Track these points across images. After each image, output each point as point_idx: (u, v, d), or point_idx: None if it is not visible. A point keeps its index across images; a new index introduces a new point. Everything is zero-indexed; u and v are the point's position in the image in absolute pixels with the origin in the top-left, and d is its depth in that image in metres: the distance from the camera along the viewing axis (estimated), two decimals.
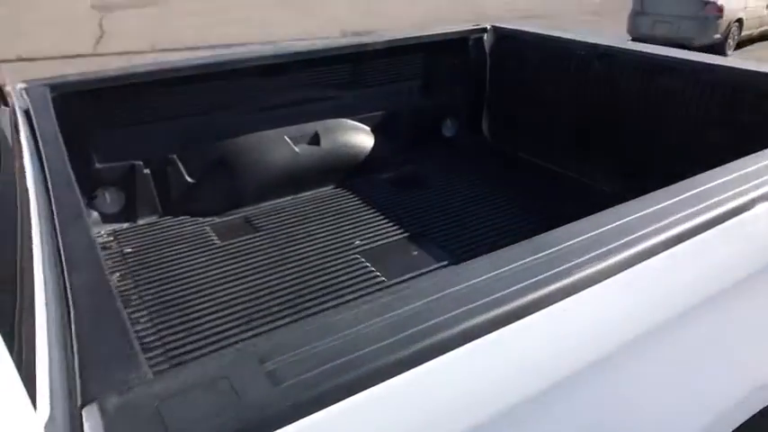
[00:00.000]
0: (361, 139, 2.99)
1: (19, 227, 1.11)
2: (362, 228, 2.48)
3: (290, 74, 2.78)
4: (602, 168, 2.80)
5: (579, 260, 1.00)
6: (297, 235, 2.42)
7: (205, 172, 2.65)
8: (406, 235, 2.44)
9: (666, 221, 1.13)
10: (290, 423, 0.71)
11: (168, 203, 2.60)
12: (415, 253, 2.31)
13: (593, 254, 1.02)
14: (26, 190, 1.37)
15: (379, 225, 2.51)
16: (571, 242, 1.07)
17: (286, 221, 2.54)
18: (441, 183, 2.90)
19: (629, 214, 1.16)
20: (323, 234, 2.42)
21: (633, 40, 9.33)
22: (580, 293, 0.97)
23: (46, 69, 7.76)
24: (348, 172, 2.90)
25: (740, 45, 10.64)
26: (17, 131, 1.70)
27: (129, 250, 2.32)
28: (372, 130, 3.04)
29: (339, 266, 2.20)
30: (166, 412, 0.70)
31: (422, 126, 3.22)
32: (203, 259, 2.26)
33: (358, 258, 2.26)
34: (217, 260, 2.25)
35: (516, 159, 3.16)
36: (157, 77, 2.46)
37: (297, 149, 2.79)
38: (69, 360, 0.82)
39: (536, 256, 1.03)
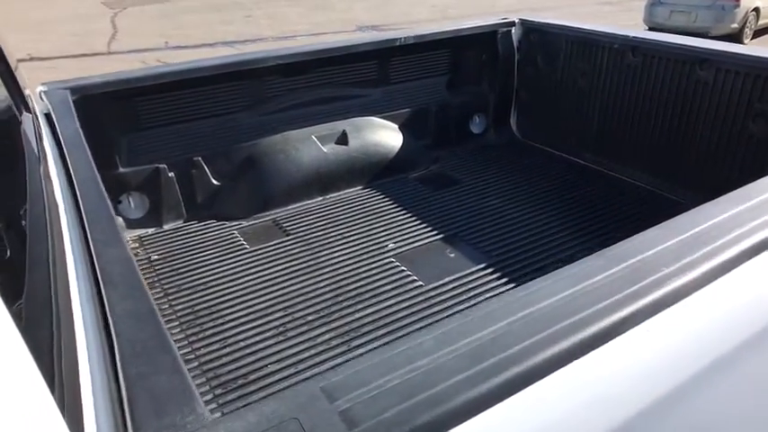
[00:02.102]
0: (390, 137, 2.91)
1: (50, 243, 1.03)
2: (395, 230, 2.40)
3: (316, 71, 2.71)
4: (635, 163, 2.71)
5: (669, 270, 0.92)
6: (328, 238, 2.35)
7: (231, 174, 2.58)
8: (440, 237, 2.35)
9: (749, 226, 1.04)
10: None
11: (194, 207, 2.53)
12: (452, 255, 2.23)
13: (681, 263, 0.94)
14: (54, 199, 1.30)
15: (411, 227, 2.43)
16: (651, 252, 0.98)
17: (316, 224, 2.46)
18: (471, 181, 2.82)
19: (705, 220, 1.07)
20: (355, 237, 2.35)
21: (650, 29, 9.17)
22: (673, 307, 0.88)
23: (59, 68, 7.73)
24: (377, 171, 2.82)
25: (757, 34, 10.44)
26: (40, 137, 1.63)
27: (156, 257, 2.26)
28: (400, 128, 2.96)
29: (374, 271, 2.13)
30: None
31: (450, 123, 3.13)
32: (233, 265, 2.19)
33: (393, 262, 2.18)
34: (247, 266, 2.18)
35: (546, 155, 3.07)
36: (180, 78, 2.39)
37: (325, 149, 2.71)
38: (115, 399, 0.75)
39: (617, 269, 0.94)
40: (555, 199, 2.61)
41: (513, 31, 3.11)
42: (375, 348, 1.76)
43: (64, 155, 1.52)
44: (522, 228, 2.39)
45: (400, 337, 1.81)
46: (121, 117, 2.33)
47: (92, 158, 1.44)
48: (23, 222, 0.92)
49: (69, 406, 0.66)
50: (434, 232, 2.38)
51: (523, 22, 3.11)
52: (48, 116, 1.88)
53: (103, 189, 1.29)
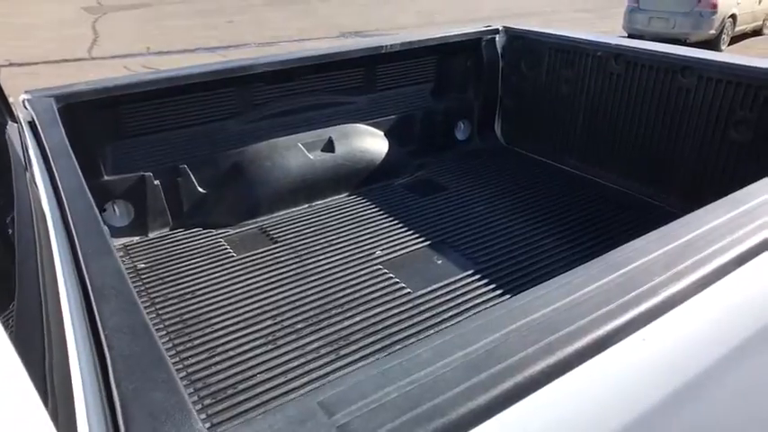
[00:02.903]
0: (376, 143, 2.92)
1: (38, 252, 1.02)
2: (382, 237, 2.41)
3: (301, 79, 2.71)
4: (619, 170, 2.75)
5: (661, 278, 0.94)
6: (315, 246, 2.35)
7: (217, 182, 2.57)
8: (427, 243, 2.36)
9: (740, 233, 1.07)
10: None
11: (180, 215, 2.52)
12: (439, 262, 2.24)
13: (673, 271, 0.95)
14: (41, 207, 1.29)
15: (398, 233, 2.44)
16: (645, 259, 1.00)
17: (303, 232, 2.46)
18: (456, 187, 2.84)
19: (696, 227, 1.09)
20: (342, 244, 2.35)
21: (629, 36, 9.31)
22: (669, 313, 0.90)
23: (39, 74, 7.62)
24: (363, 178, 2.83)
25: (734, 40, 10.65)
26: (25, 145, 1.61)
27: (143, 265, 2.24)
28: (386, 135, 2.97)
29: (362, 278, 2.13)
30: None
31: (435, 129, 3.15)
32: (220, 273, 2.18)
33: (381, 269, 2.18)
34: (235, 274, 2.17)
35: (531, 161, 3.10)
36: (166, 85, 2.38)
37: (311, 156, 2.71)
38: (109, 417, 0.73)
39: (611, 277, 0.96)
40: (540, 205, 2.63)
41: (497, 38, 3.14)
42: (365, 356, 1.76)
43: (49, 163, 1.50)
44: (509, 234, 2.41)
45: (389, 344, 1.81)
46: (106, 125, 2.31)
47: (78, 167, 1.43)
48: (10, 231, 0.91)
49: (63, 422, 0.65)
50: (421, 239, 2.39)
51: (507, 30, 3.14)
52: (31, 124, 1.86)
53: (91, 198, 1.28)
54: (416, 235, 2.42)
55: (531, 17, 12.31)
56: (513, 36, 3.13)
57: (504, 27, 3.15)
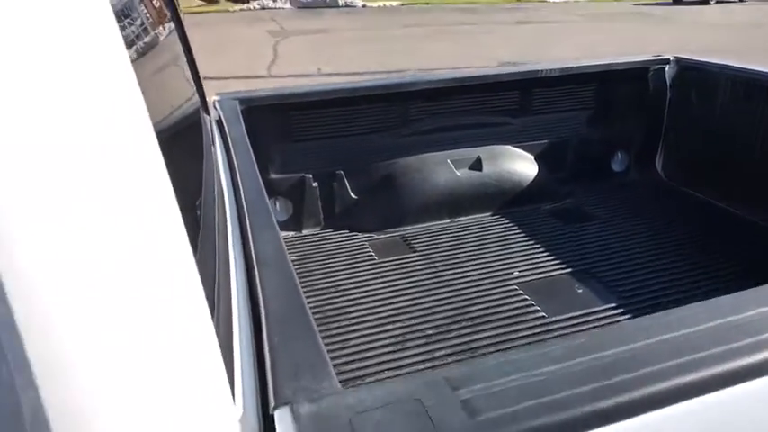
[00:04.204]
0: (525, 166, 2.91)
1: (217, 228, 1.18)
2: (522, 258, 2.38)
3: (457, 98, 2.79)
4: None
5: None
6: (454, 259, 2.39)
7: (368, 189, 2.73)
8: (568, 270, 2.30)
9: None
10: None
11: (331, 217, 2.71)
12: (580, 291, 2.17)
13: None
14: (221, 191, 1.48)
15: (540, 257, 2.40)
16: None
17: (443, 244, 2.52)
18: (606, 218, 2.72)
19: None
20: (480, 260, 2.37)
21: None
22: None
23: (228, 87, 8.61)
24: (508, 199, 2.83)
25: None
26: (213, 137, 1.87)
27: (294, 258, 2.44)
28: (536, 159, 2.95)
29: (496, 296, 2.13)
30: (359, 425, 0.68)
31: (590, 158, 3.05)
32: (361, 274, 2.30)
33: (516, 290, 2.16)
34: (374, 276, 2.28)
35: (692, 200, 2.87)
36: (331, 97, 2.60)
37: (458, 173, 2.78)
38: (260, 363, 0.84)
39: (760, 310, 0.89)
40: (697, 246, 2.43)
41: (666, 68, 2.98)
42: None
43: (230, 154, 1.72)
44: (658, 272, 2.25)
45: None
46: (278, 128, 2.57)
47: (255, 162, 1.63)
48: (198, 213, 1.08)
49: (227, 363, 0.76)
50: (563, 265, 2.33)
51: (679, 61, 2.97)
52: (218, 122, 2.15)
53: (263, 187, 1.45)
54: (558, 261, 2.36)
55: (718, 54, 11.37)
56: (686, 67, 2.95)
57: (675, 57, 2.98)
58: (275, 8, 24.10)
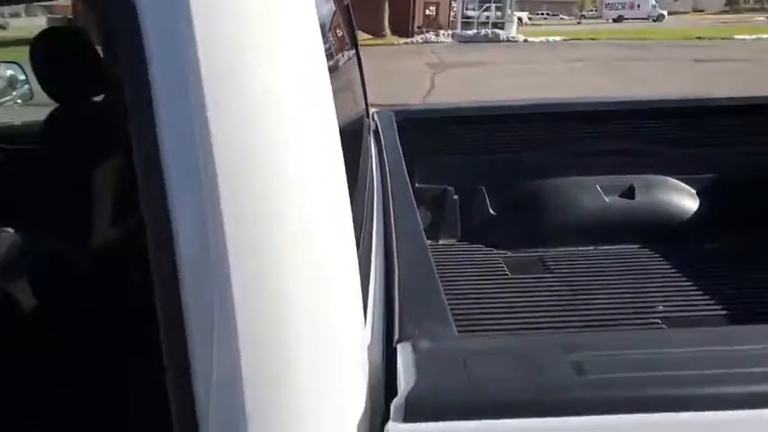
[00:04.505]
0: (682, 200, 2.71)
1: (364, 221, 1.32)
2: (669, 293, 2.22)
3: (610, 124, 2.71)
4: None
5: None
6: (592, 285, 2.29)
7: (508, 207, 2.73)
8: (723, 313, 2.10)
9: None
10: (586, 414, 0.67)
11: (468, 230, 2.74)
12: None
13: None
14: (372, 186, 1.62)
15: (688, 295, 2.22)
16: None
17: (582, 270, 2.43)
18: None
19: None
20: (621, 290, 2.25)
21: None
22: None
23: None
24: (660, 233, 2.65)
25: None
26: (369, 144, 2.05)
27: None
28: (697, 193, 2.74)
29: (633, 326, 2.01)
30: (471, 365, 0.73)
31: (758, 197, 2.77)
32: (491, 286, 2.31)
33: (659, 324, 2.02)
34: (504, 290, 2.28)
35: None
36: (478, 114, 2.68)
37: (607, 200, 2.67)
38: (388, 304, 0.95)
39: None
40: None
41: None
42: None
43: (383, 158, 1.88)
44: None
45: None
46: (427, 141, 2.69)
47: (406, 169, 1.76)
48: (356, 196, 1.23)
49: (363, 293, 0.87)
50: (712, 305, 2.13)
51: None
52: (375, 131, 2.33)
53: (411, 192, 1.57)
54: (709, 301, 2.17)
55: None
56: None
57: None
58: (437, 42, 24.92)
